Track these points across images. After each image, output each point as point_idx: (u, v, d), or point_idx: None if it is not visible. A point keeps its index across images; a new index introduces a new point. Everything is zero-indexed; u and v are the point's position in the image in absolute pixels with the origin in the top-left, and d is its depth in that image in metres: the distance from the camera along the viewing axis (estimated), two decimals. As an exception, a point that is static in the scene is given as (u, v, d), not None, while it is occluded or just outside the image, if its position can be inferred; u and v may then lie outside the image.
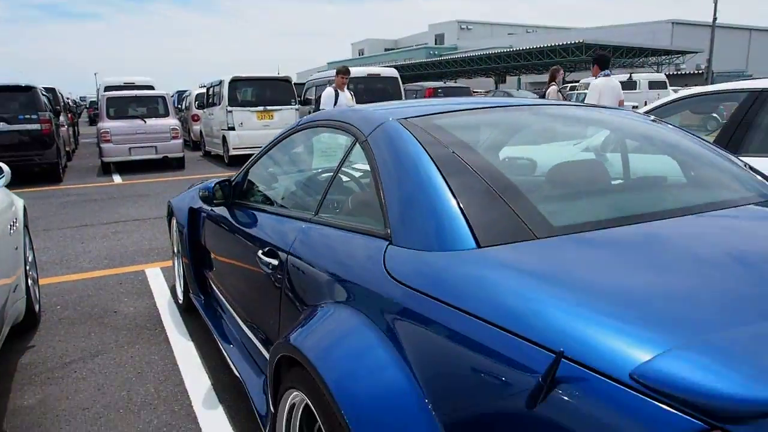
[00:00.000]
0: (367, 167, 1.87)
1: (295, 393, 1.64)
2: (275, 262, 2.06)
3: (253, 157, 2.89)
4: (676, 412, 0.82)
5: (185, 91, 20.26)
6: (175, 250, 4.03)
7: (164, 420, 2.61)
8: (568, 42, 37.60)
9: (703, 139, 2.25)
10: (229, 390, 2.84)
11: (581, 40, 36.76)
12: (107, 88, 14.51)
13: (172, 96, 14.00)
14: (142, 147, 11.65)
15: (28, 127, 9.71)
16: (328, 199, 2.08)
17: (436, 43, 72.42)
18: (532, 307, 1.10)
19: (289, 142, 2.66)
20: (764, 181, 1.97)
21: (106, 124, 11.49)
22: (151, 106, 12.01)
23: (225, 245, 2.83)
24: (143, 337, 3.54)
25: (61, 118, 12.16)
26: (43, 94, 10.59)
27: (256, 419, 2.53)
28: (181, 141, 12.12)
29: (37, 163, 9.91)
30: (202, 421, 2.58)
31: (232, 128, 11.82)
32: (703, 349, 0.88)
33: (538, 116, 2.29)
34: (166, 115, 12.13)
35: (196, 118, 15.98)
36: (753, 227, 1.60)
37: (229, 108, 11.79)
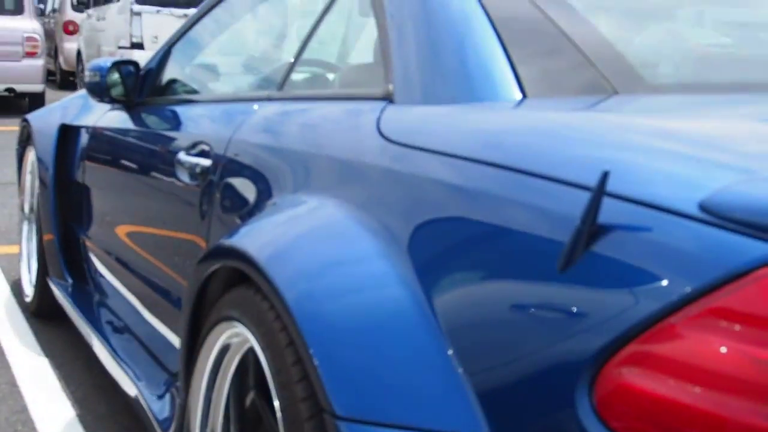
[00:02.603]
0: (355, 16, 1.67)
1: (230, 329, 1.16)
2: (206, 162, 1.52)
3: (173, 33, 2.10)
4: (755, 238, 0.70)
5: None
6: (26, 210, 2.89)
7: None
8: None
9: None
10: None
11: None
12: None
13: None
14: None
15: None
16: (298, 67, 1.65)
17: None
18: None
19: (230, 5, 1.99)
20: None
21: None
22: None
23: (124, 175, 2.13)
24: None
25: None
26: None
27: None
28: (41, 63, 7.71)
29: None
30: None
31: (140, 45, 6.87)
32: None
33: None
34: (19, 11, 7.45)
35: (70, 29, 9.86)
36: None
37: (136, 8, 7.03)
